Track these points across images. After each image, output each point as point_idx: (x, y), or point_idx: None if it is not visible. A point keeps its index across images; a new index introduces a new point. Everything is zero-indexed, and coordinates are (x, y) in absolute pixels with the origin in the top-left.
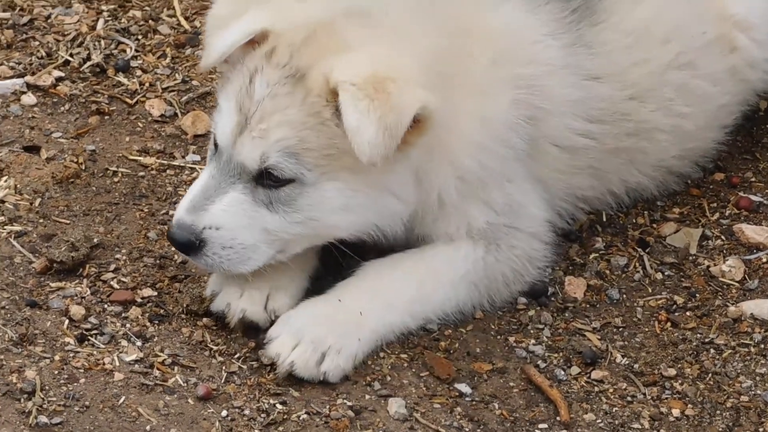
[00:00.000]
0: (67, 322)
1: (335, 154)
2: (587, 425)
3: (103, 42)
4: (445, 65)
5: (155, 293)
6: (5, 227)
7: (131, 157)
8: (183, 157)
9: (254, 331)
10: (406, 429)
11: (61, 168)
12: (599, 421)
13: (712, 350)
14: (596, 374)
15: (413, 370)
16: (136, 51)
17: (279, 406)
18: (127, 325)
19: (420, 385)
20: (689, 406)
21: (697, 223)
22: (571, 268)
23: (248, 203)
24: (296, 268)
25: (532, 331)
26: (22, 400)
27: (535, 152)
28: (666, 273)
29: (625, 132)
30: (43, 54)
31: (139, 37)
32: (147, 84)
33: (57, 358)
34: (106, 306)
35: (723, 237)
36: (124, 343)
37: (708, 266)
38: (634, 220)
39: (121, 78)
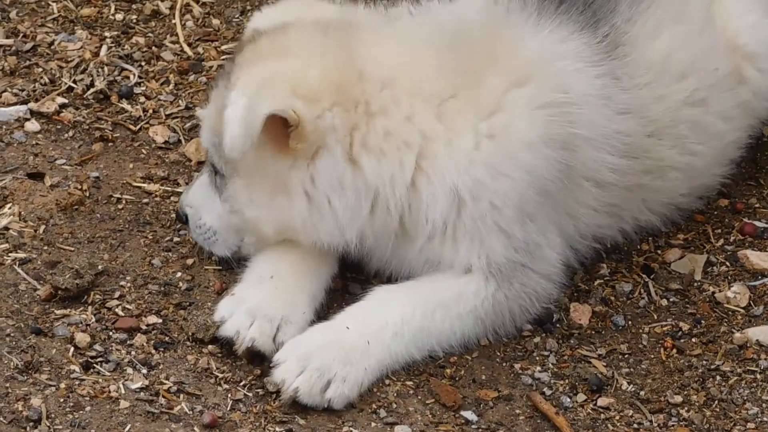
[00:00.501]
0: (72, 349)
1: None
2: None
3: (106, 68)
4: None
5: (160, 320)
6: (10, 254)
7: (135, 184)
8: (187, 183)
9: (259, 359)
10: None
11: (65, 195)
12: None
13: (718, 377)
14: (602, 401)
15: (419, 397)
16: (140, 77)
17: None
18: (132, 353)
19: (426, 413)
20: None
21: (701, 249)
22: (576, 295)
23: (207, 187)
24: (307, 299)
25: (537, 358)
26: (28, 428)
27: (570, 185)
28: (671, 299)
29: (643, 169)
30: (47, 81)
31: (143, 63)
32: (150, 110)
33: (62, 385)
34: (111, 333)
35: (728, 263)
36: (129, 370)
37: (713, 292)
38: (638, 247)
39: (124, 104)
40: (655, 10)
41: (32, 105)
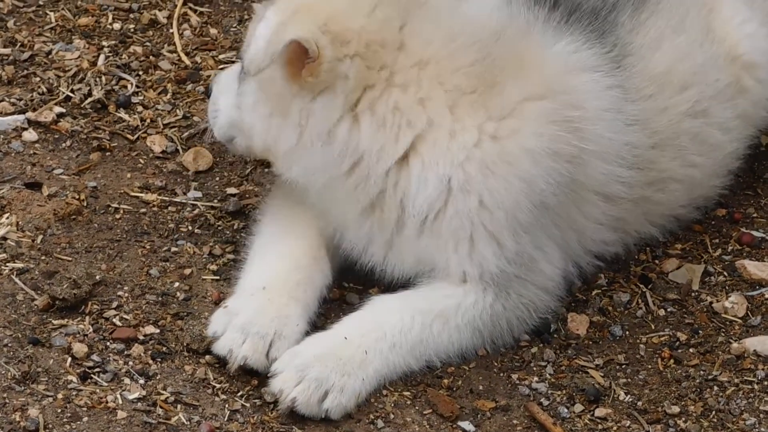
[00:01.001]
0: (69, 359)
1: None
2: None
3: (104, 78)
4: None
5: (158, 330)
6: (7, 264)
7: (133, 194)
8: (184, 193)
9: (254, 373)
10: None
11: (62, 205)
12: None
13: (715, 387)
14: (600, 412)
15: (416, 407)
16: (137, 87)
17: None
18: (130, 363)
19: (423, 423)
20: None
21: (699, 259)
22: (574, 305)
23: (235, 75)
24: (301, 310)
25: (535, 368)
26: None
27: (576, 199)
28: (669, 309)
29: (648, 181)
30: (44, 90)
31: (140, 72)
32: (148, 120)
33: (60, 396)
34: (108, 343)
35: (725, 273)
36: (126, 380)
37: (711, 302)
38: (636, 256)
39: (122, 114)
40: (656, 21)
41: (30, 114)
